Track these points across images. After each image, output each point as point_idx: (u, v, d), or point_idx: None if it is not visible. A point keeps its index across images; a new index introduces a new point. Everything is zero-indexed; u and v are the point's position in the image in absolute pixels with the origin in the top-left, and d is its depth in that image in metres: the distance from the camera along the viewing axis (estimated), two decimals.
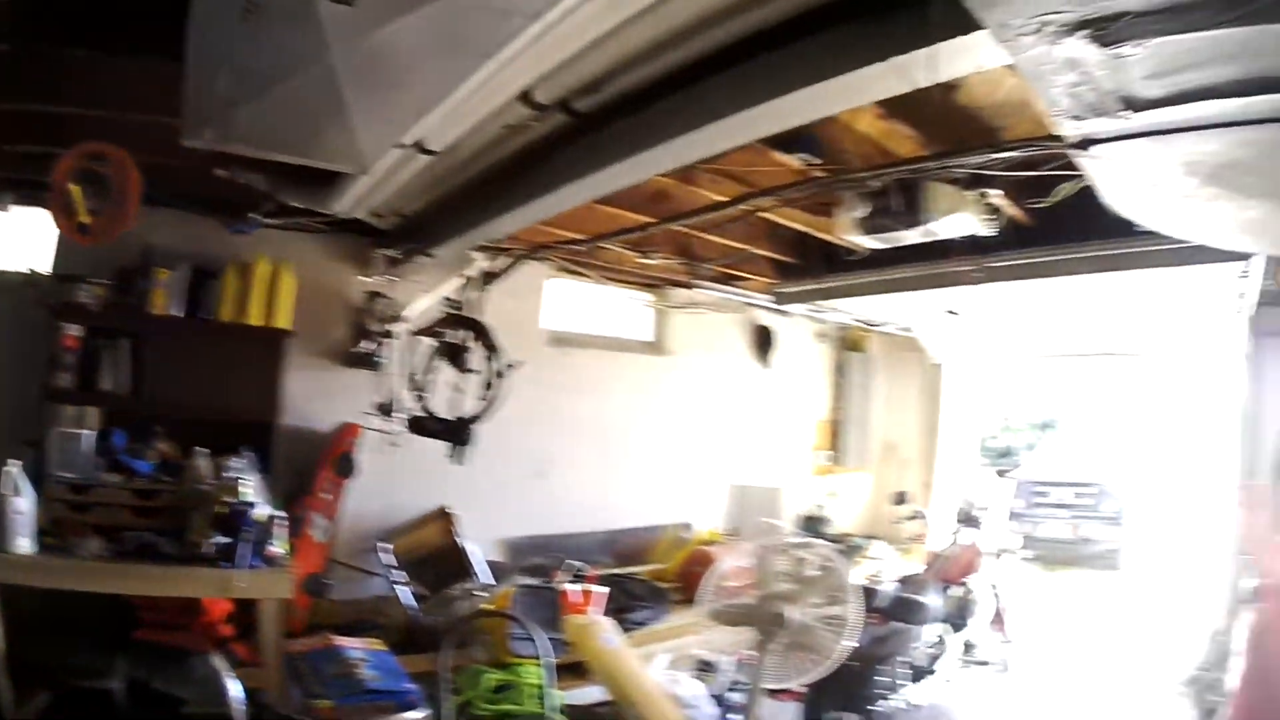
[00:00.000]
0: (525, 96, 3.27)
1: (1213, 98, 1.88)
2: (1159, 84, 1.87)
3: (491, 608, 5.35)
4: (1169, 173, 2.32)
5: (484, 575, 5.93)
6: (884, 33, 2.43)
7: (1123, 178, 2.44)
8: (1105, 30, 1.63)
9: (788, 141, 4.38)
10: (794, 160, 4.58)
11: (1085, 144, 2.19)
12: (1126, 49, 1.67)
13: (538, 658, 4.60)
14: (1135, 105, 1.95)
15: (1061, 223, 5.27)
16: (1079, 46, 1.68)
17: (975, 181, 4.66)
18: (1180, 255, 5.28)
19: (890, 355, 10.89)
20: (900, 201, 4.64)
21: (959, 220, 4.75)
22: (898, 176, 4.50)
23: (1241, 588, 5.81)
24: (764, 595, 4.43)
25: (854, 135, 4.42)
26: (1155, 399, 33.26)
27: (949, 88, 4.08)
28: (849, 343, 10.35)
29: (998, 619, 7.93)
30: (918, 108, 4.10)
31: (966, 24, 1.87)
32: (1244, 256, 5.32)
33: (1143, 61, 1.74)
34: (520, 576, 5.85)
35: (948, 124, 4.25)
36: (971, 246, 5.48)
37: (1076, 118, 2.04)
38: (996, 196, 4.91)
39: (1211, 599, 8.34)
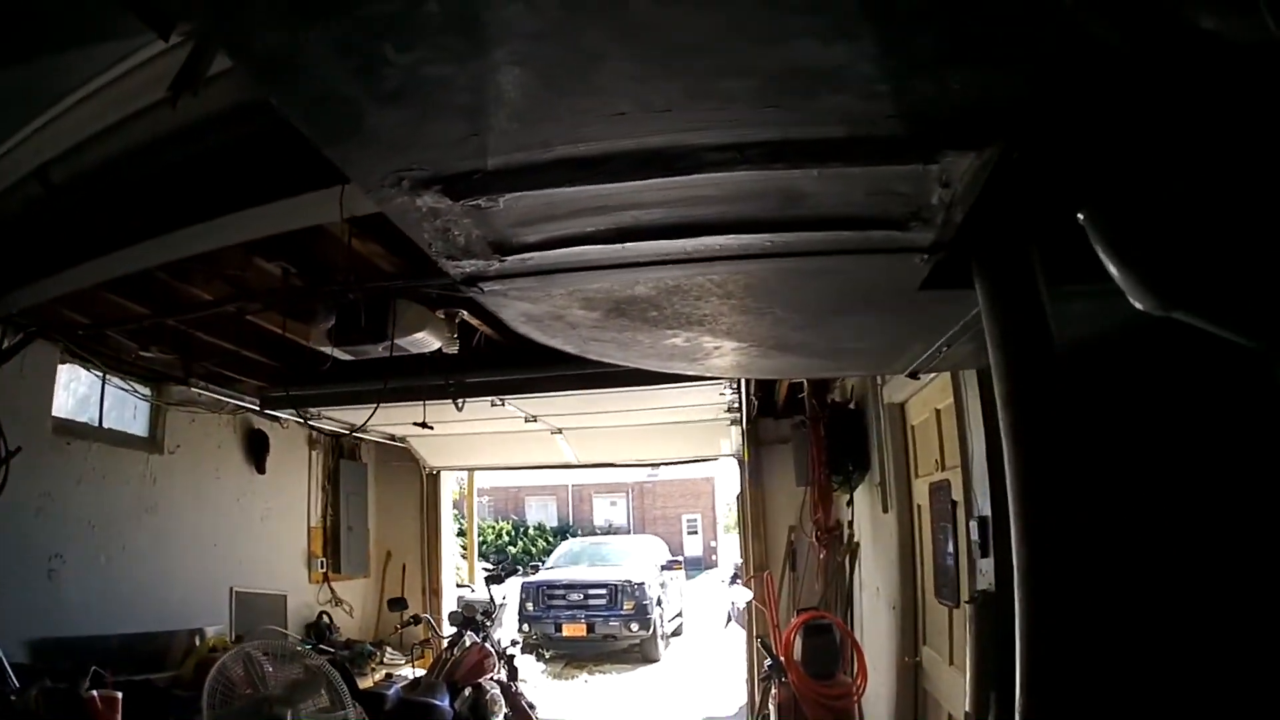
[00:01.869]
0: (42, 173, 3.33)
1: (588, 243, 1.90)
2: (530, 231, 1.87)
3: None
4: (568, 307, 2.35)
5: (12, 679, 5.06)
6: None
7: (526, 311, 2.44)
8: (456, 187, 1.63)
9: (276, 249, 4.44)
10: (275, 267, 4.55)
11: (472, 280, 2.16)
12: (482, 203, 1.68)
13: None
14: (506, 250, 1.95)
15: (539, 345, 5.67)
16: (436, 199, 1.67)
17: (445, 301, 4.85)
18: (654, 375, 5.89)
19: (385, 463, 10.94)
20: (367, 316, 4.66)
21: (424, 338, 4.86)
22: (367, 291, 4.53)
23: (764, 666, 6.28)
24: (260, 699, 4.22)
25: (339, 249, 4.46)
26: (669, 503, 36.51)
27: None
28: (343, 450, 10.17)
29: (521, 716, 7.92)
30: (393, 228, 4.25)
31: None
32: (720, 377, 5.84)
33: (503, 213, 1.74)
34: (46, 681, 5.08)
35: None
36: (449, 362, 5.62)
37: (451, 258, 2.02)
38: (466, 316, 5.11)
39: (742, 679, 9.13)
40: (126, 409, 7.15)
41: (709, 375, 4.68)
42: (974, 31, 1.20)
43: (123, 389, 6.97)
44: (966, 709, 3.54)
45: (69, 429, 6.42)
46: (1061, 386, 1.67)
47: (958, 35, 1.22)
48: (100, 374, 6.69)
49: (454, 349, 5.11)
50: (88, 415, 6.74)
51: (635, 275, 2.07)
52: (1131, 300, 1.59)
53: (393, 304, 4.67)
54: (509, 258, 1.97)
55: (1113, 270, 1.58)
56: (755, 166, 1.53)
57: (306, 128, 1.49)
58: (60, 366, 6.27)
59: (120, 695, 5.20)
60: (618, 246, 1.90)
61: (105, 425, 6.86)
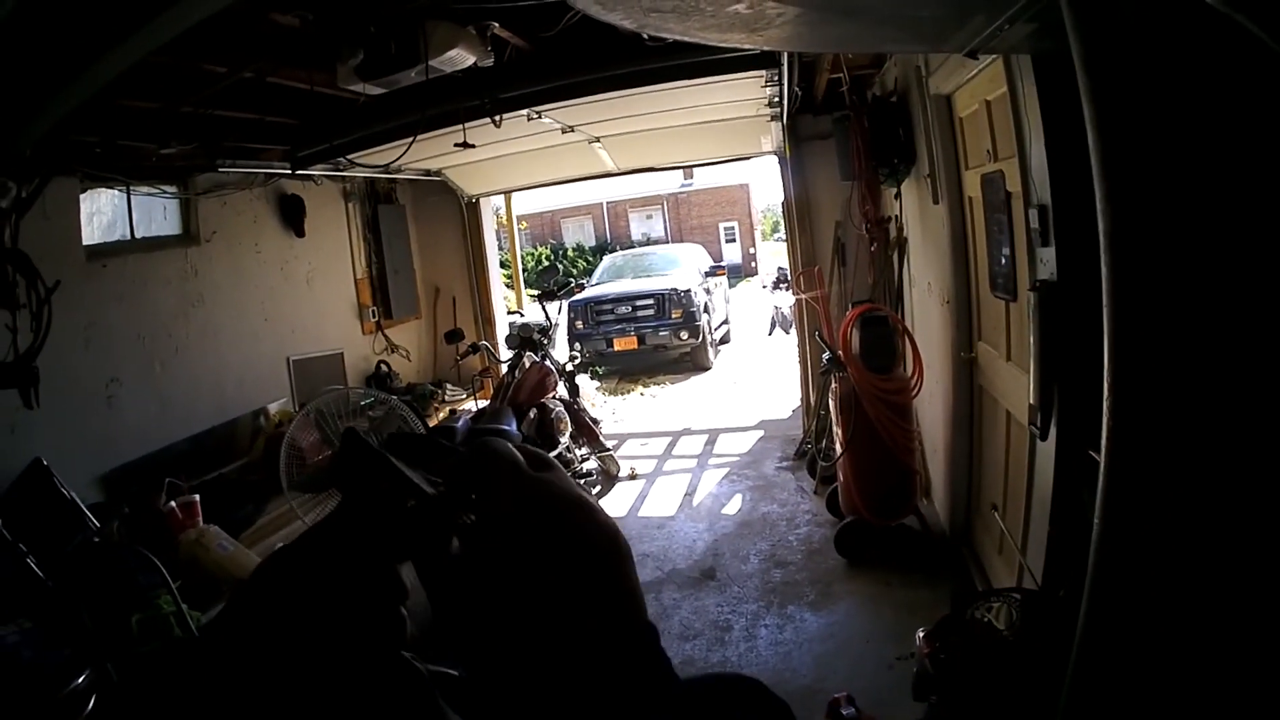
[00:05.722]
0: None
1: None
2: None
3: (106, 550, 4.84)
4: None
5: (92, 520, 5.34)
6: None
7: None
8: None
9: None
10: (292, 19, 4.33)
11: None
12: None
13: (163, 584, 4.28)
14: None
15: (571, 50, 5.46)
16: None
17: (474, 15, 4.65)
18: (693, 69, 5.63)
19: (423, 200, 10.87)
20: (397, 43, 4.48)
21: (458, 54, 4.70)
22: (393, 18, 4.41)
23: (822, 360, 6.38)
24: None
25: None
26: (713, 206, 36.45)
27: None
28: (379, 195, 10.10)
29: (587, 432, 8.29)
30: None
31: None
32: (766, 64, 5.67)
33: None
34: (125, 509, 5.38)
35: None
36: (482, 81, 5.51)
37: None
38: (497, 29, 4.92)
39: (795, 381, 9.36)
40: (156, 214, 7.12)
41: (765, 48, 4.48)
42: None
43: (150, 194, 6.91)
44: (1030, 401, 3.57)
45: (102, 252, 6.41)
46: (1149, 75, 1.56)
47: None
48: (123, 188, 6.62)
49: (489, 61, 4.95)
50: (118, 234, 6.73)
51: None
52: None
53: (422, 26, 4.47)
54: None
55: None
56: None
57: None
58: (82, 196, 6.21)
59: (197, 498, 5.47)
60: None
61: (138, 236, 6.87)
